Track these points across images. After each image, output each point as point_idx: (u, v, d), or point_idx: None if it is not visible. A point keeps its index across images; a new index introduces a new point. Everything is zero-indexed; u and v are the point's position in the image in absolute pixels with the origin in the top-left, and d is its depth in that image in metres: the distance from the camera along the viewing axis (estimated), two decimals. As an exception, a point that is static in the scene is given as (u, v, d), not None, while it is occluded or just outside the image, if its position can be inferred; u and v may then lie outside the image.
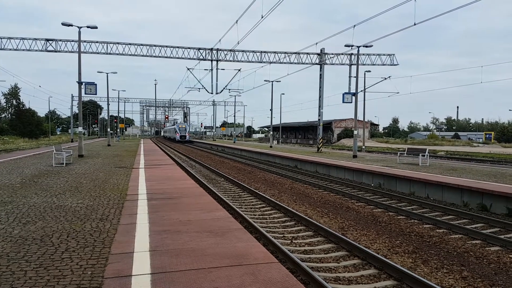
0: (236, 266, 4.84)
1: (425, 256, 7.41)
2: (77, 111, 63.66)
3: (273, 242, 7.60)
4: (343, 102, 29.06)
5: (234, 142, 63.34)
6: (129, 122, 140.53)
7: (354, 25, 22.60)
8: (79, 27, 23.97)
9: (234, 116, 79.76)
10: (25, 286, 4.26)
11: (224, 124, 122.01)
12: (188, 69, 37.30)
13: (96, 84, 25.04)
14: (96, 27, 24.22)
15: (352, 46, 26.70)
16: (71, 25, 23.59)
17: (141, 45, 32.89)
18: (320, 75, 32.70)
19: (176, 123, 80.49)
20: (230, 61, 34.02)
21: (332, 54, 34.28)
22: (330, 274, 6.39)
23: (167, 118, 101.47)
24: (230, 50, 33.50)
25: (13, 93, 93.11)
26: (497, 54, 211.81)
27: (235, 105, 75.07)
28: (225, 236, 6.18)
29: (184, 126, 75.68)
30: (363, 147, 41.76)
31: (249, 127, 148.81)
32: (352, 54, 33.73)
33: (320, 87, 32.39)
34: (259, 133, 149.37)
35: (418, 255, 7.49)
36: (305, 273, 6.03)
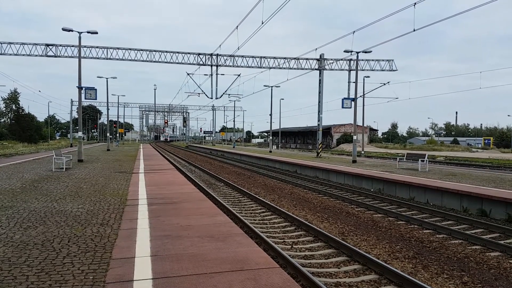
0: (237, 271, 4.85)
1: (425, 262, 7.42)
2: (76, 116, 63.96)
3: (274, 247, 7.61)
4: (343, 107, 29.23)
5: (234, 147, 63.28)
6: (128, 127, 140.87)
7: (354, 31, 22.77)
8: (80, 32, 24.06)
9: (234, 121, 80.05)
10: (27, 291, 4.27)
11: (224, 129, 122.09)
12: (188, 74, 37.51)
13: (96, 89, 25.09)
14: (96, 33, 24.32)
15: (352, 51, 26.85)
16: (72, 30, 23.70)
17: (141, 50, 32.98)
18: (320, 80, 32.79)
19: (165, 131, 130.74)
20: (230, 66, 34.11)
21: (332, 59, 34.39)
22: (331, 279, 6.40)
23: (167, 123, 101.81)
24: (230, 56, 33.60)
25: (13, 97, 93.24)
26: (495, 60, 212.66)
27: (234, 110, 75.31)
28: (226, 241, 6.19)
29: (167, 133, 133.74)
30: (362, 152, 41.78)
31: (249, 132, 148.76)
32: (351, 59, 33.83)
33: (319, 92, 32.47)
34: (258, 138, 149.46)
35: (418, 260, 7.51)
36: (306, 278, 6.04)
